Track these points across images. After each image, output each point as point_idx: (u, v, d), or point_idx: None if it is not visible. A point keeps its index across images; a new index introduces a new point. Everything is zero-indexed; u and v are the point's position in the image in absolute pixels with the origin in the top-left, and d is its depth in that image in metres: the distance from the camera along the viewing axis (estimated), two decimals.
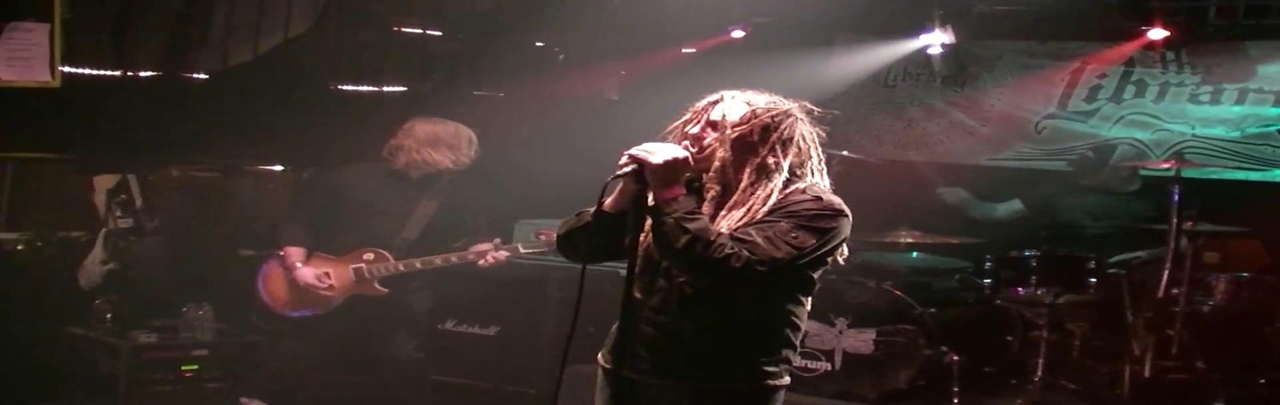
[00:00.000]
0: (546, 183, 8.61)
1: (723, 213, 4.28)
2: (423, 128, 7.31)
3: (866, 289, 7.75)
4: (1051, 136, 9.56)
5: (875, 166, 8.40)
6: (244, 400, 7.58)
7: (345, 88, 9.68)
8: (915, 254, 8.62)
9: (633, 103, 10.06)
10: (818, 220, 4.20)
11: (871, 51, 9.88)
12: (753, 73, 8.87)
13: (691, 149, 4.28)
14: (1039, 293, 7.75)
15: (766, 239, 4.12)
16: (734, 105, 4.34)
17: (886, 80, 10.22)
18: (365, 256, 7.26)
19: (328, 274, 7.29)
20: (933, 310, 7.81)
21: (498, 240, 7.37)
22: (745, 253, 4.07)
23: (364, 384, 8.35)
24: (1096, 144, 9.08)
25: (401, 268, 7.24)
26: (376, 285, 7.28)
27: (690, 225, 4.10)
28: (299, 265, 7.29)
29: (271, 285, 7.52)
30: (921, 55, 9.74)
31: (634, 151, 4.14)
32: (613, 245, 4.28)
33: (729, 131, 4.27)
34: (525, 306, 8.49)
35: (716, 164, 4.30)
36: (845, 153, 7.97)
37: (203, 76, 9.08)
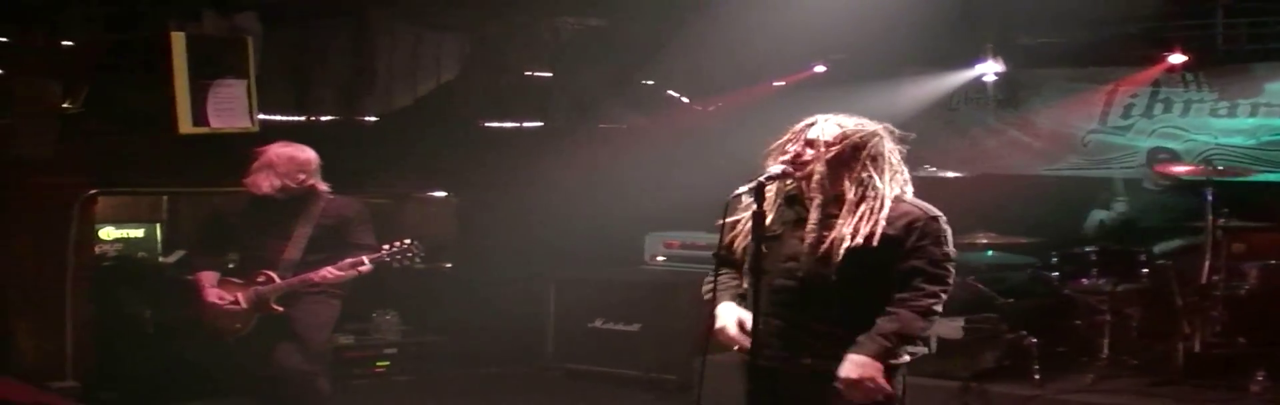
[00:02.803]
0: (670, 200, 8.87)
1: (839, 221, 4.37)
2: (276, 153, 6.80)
3: (954, 283, 7.81)
4: (1096, 148, 9.61)
5: (950, 179, 8.60)
6: None
7: (491, 124, 9.87)
8: (991, 252, 8.72)
9: (735, 130, 9.89)
10: (946, 234, 4.46)
11: (935, 81, 9.99)
12: (834, 102, 8.73)
13: (791, 164, 4.43)
14: (1099, 283, 7.87)
15: (934, 264, 4.39)
16: (827, 127, 4.47)
17: (950, 105, 10.29)
18: (259, 279, 6.72)
19: (236, 299, 6.73)
20: (1010, 300, 7.97)
21: (354, 260, 6.65)
22: (937, 288, 4.38)
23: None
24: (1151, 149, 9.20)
25: (285, 287, 6.66)
26: (273, 304, 6.68)
27: (909, 332, 4.34)
28: (207, 288, 6.78)
29: (204, 314, 6.89)
30: (978, 82, 9.85)
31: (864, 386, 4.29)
32: None
33: (823, 150, 4.41)
34: (662, 307, 8.71)
35: (815, 177, 4.42)
36: (929, 168, 8.15)
37: (372, 119, 9.38)
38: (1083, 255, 8.07)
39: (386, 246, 6.74)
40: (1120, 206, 9.09)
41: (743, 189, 4.32)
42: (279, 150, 6.81)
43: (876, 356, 4.32)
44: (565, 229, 9.40)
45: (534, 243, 9.56)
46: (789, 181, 4.51)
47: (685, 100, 10.74)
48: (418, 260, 6.79)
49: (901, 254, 4.39)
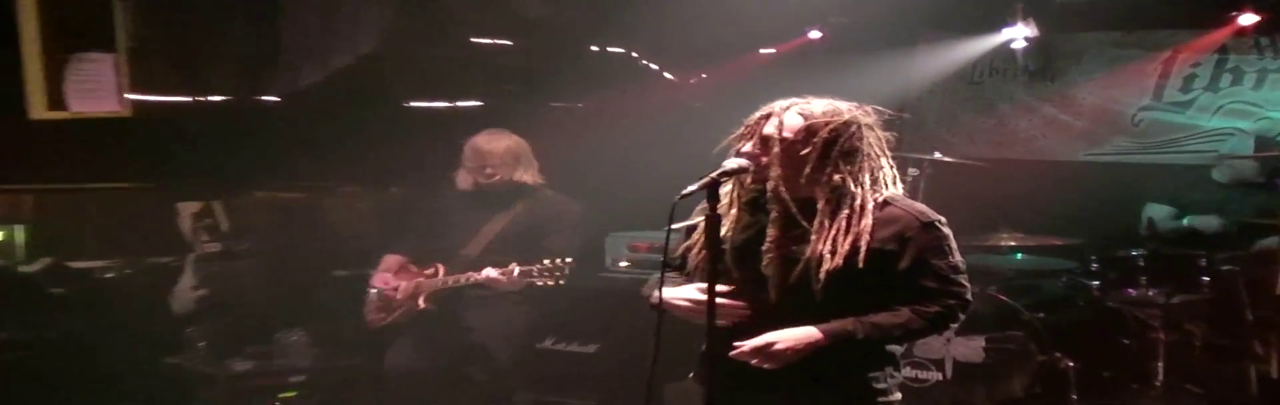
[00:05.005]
0: (636, 193, 7.92)
1: (814, 236, 4.08)
2: (467, 145, 6.90)
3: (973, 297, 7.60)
4: (1150, 129, 9.25)
5: (969, 167, 8.13)
6: None
7: (418, 104, 9.60)
8: (1019, 256, 8.34)
9: (718, 107, 9.43)
10: (949, 241, 4.15)
11: (954, 48, 9.60)
12: (835, 73, 8.55)
13: (748, 166, 4.12)
14: (1151, 293, 7.47)
15: (941, 280, 4.12)
16: (788, 118, 4.12)
17: (972, 77, 9.91)
18: (427, 272, 6.88)
19: (397, 288, 6.93)
20: (1041, 315, 7.59)
21: (512, 267, 6.58)
22: (953, 303, 4.11)
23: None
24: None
25: (438, 285, 6.79)
26: (420, 301, 6.81)
27: (897, 331, 4.11)
28: (380, 272, 7.03)
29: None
30: (1006, 50, 9.39)
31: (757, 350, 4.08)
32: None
33: (782, 149, 4.09)
34: (625, 323, 8.21)
35: (771, 183, 4.10)
36: (937, 155, 7.75)
37: (275, 99, 9.04)
38: (1130, 260, 7.64)
39: (541, 263, 6.50)
40: (1213, 220, 8.28)
41: (691, 188, 3.98)
42: (471, 141, 6.87)
43: (831, 337, 4.05)
44: None
45: None
46: (750, 181, 4.20)
47: (657, 71, 10.37)
48: (560, 282, 6.53)
49: (899, 272, 4.13)
